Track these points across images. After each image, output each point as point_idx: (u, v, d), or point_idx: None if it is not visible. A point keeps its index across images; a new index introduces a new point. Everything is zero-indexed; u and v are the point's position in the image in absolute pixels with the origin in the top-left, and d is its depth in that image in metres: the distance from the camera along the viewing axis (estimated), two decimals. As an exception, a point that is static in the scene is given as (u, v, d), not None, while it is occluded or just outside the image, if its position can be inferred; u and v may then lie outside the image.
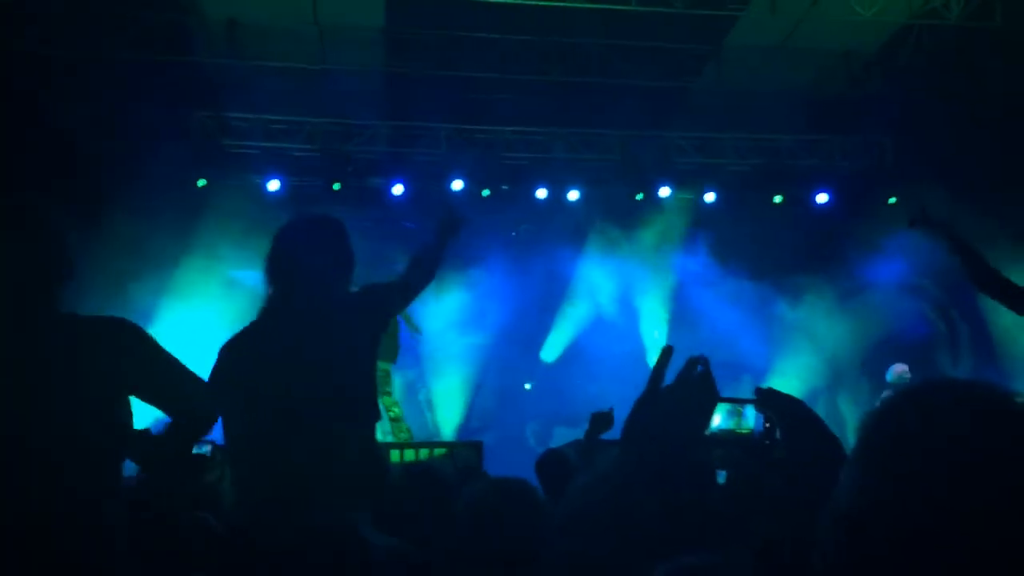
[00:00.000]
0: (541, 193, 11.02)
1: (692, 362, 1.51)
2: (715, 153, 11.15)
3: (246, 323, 3.33)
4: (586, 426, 4.12)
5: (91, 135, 9.06)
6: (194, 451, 2.92)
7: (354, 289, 3.46)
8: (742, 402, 2.16)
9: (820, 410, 1.92)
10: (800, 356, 10.90)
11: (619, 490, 1.43)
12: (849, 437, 1.88)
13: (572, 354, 11.74)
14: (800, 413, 1.89)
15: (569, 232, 11.39)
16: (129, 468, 2.60)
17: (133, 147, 9.35)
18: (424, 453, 7.15)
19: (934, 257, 8.59)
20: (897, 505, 0.99)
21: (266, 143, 10.45)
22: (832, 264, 10.96)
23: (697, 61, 10.37)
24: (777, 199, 11.32)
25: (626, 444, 1.47)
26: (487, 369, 11.53)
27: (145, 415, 2.58)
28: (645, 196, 11.13)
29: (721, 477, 3.60)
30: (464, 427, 11.23)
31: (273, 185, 10.47)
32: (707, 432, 1.71)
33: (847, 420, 10.07)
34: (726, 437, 2.19)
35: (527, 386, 12.11)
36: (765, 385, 1.98)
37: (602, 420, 4.01)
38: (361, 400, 3.33)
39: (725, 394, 1.88)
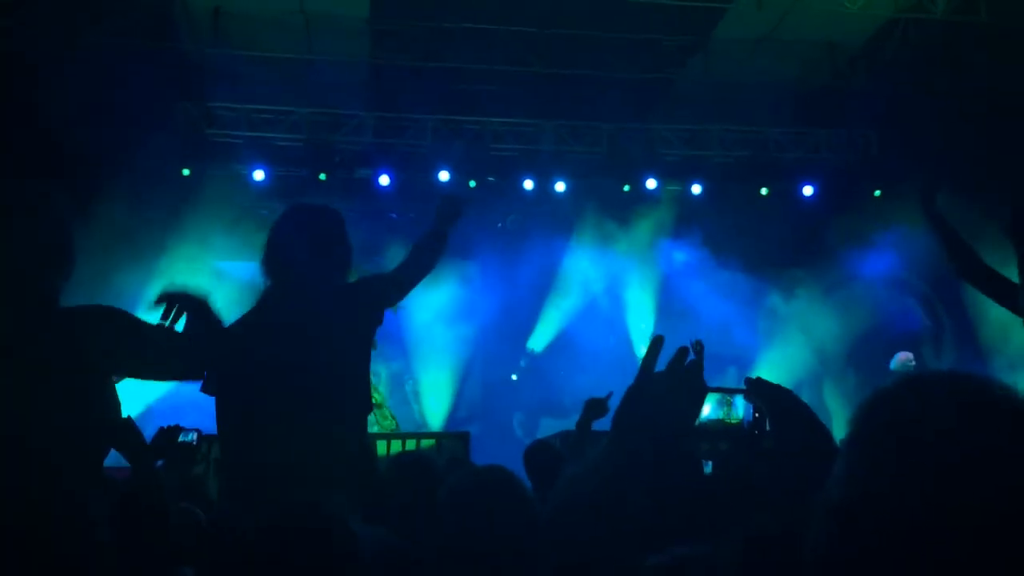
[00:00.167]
0: (528, 184, 11.00)
1: (683, 351, 1.50)
2: (701, 145, 11.16)
3: (238, 314, 3.31)
4: (574, 416, 4.10)
5: (75, 124, 8.96)
6: (180, 439, 2.90)
7: (352, 280, 3.45)
8: (731, 392, 2.17)
9: (805, 401, 1.92)
10: (786, 347, 10.93)
11: (609, 480, 1.43)
12: (835, 429, 1.89)
13: (559, 345, 11.75)
14: (789, 403, 1.89)
15: (556, 224, 11.38)
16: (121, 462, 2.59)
17: (117, 136, 9.26)
18: (411, 444, 7.13)
19: (920, 251, 8.64)
20: (890, 497, 0.98)
21: (251, 132, 10.36)
22: (818, 256, 11.00)
23: (683, 53, 10.37)
24: (764, 191, 11.35)
25: (616, 434, 1.47)
26: (474, 360, 11.52)
27: (131, 406, 2.57)
28: (632, 188, 11.14)
29: (707, 468, 3.61)
30: (451, 418, 11.23)
31: (258, 175, 10.40)
32: (697, 422, 1.71)
33: (832, 412, 10.11)
34: (715, 427, 2.20)
35: (513, 377, 12.11)
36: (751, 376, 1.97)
37: (597, 406, 3.97)
38: (354, 392, 3.32)
39: (712, 385, 1.87)
